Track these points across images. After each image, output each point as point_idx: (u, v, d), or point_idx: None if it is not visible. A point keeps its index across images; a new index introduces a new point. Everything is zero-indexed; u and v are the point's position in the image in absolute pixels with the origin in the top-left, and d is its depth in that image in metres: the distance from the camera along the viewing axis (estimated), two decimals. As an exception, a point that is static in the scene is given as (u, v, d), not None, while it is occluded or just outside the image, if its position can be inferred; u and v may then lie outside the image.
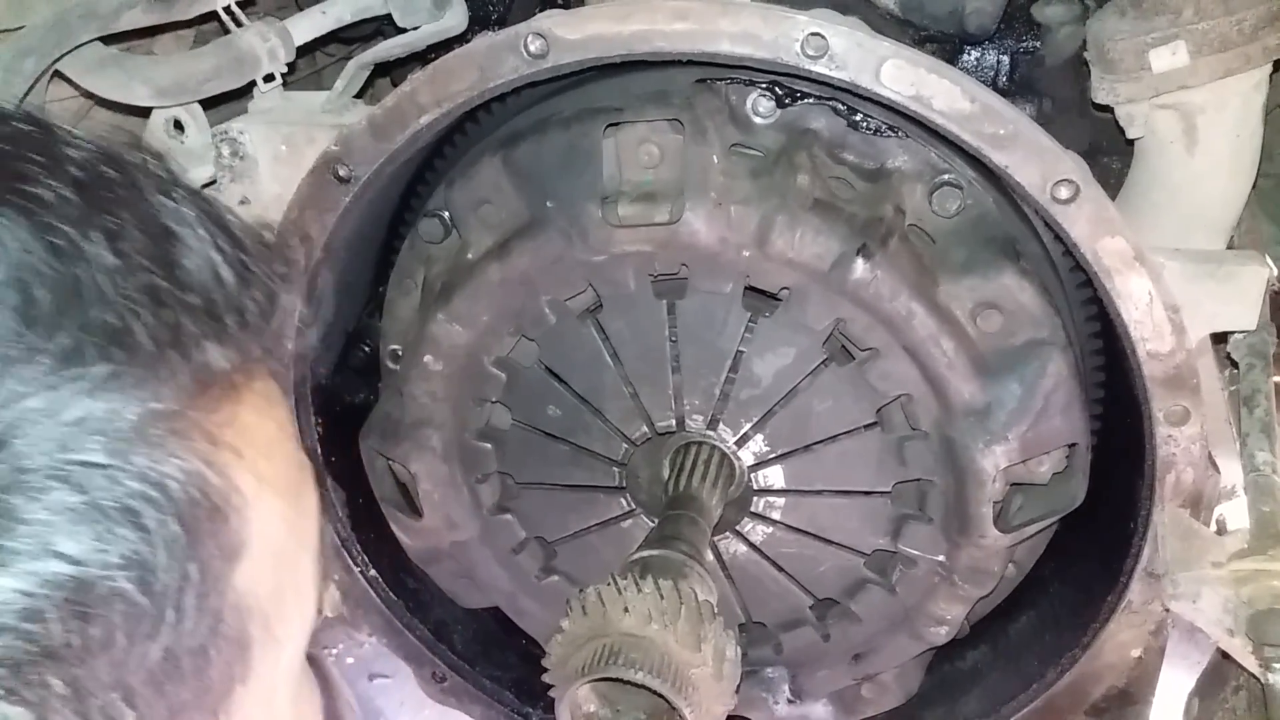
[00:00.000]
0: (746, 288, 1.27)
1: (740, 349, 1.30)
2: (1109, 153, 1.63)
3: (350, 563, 1.60)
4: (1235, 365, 1.43)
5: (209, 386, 0.51)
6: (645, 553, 1.19)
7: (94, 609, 0.44)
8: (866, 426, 1.31)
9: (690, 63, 1.19)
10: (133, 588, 0.46)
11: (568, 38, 1.17)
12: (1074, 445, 1.29)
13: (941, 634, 1.41)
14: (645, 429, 1.37)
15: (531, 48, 1.18)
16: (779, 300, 1.27)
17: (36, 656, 0.42)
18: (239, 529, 0.51)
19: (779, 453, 1.35)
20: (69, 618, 0.43)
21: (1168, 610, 1.29)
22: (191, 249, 0.51)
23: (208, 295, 0.51)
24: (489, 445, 1.43)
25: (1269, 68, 1.29)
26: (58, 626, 0.43)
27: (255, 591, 0.53)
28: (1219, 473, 1.27)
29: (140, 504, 0.46)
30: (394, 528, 1.56)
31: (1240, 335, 1.40)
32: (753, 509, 1.40)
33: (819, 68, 1.12)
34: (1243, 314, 1.21)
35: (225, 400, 0.52)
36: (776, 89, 1.25)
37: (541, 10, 1.40)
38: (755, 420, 1.33)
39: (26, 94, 1.27)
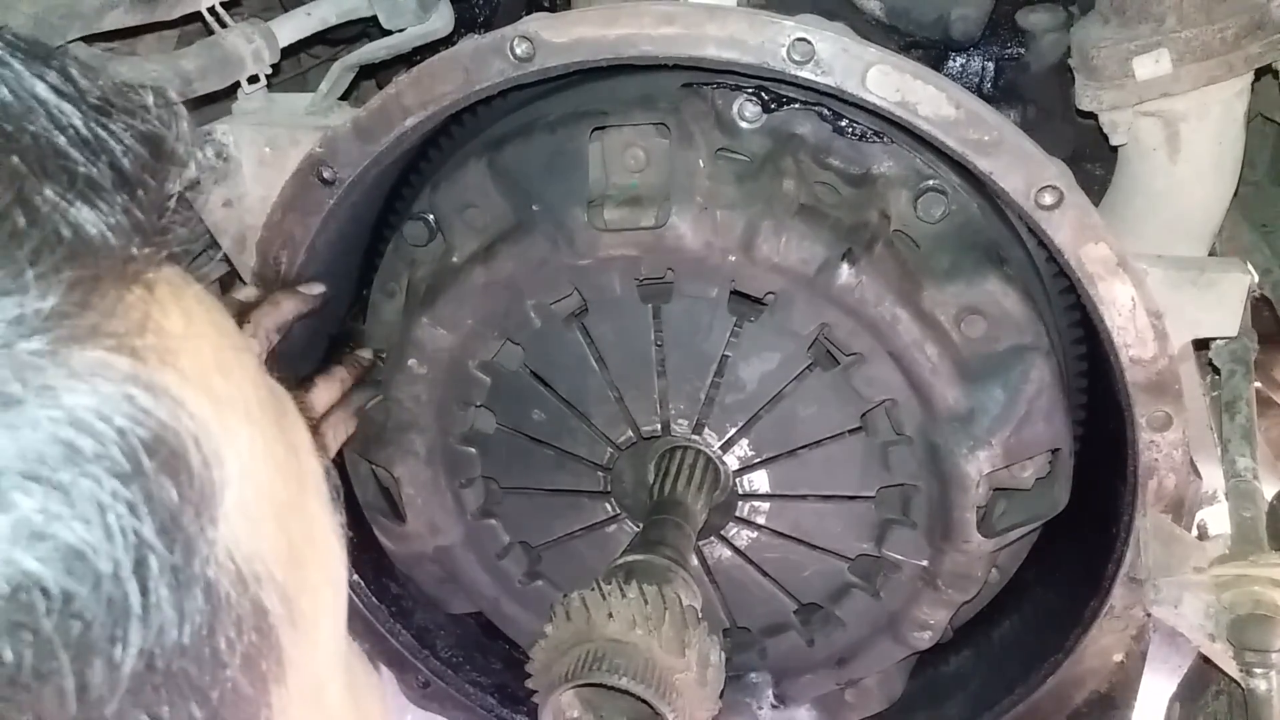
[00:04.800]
0: (732, 292, 1.27)
1: (726, 353, 1.30)
2: (1092, 159, 1.63)
3: (333, 567, 1.59)
4: (1216, 371, 1.44)
5: (97, 278, 0.36)
6: (629, 558, 1.19)
7: (13, 626, 0.31)
8: (851, 431, 1.31)
9: (677, 67, 1.19)
10: (59, 577, 0.32)
11: (554, 41, 1.17)
12: (1057, 450, 1.30)
13: (925, 639, 1.41)
14: (630, 433, 1.36)
15: (518, 51, 1.17)
16: (764, 305, 1.27)
17: None
18: (207, 470, 0.37)
19: (764, 457, 1.35)
20: None
21: (1149, 615, 1.29)
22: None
23: (50, 143, 0.36)
24: (473, 450, 1.43)
25: (1250, 76, 1.30)
26: None
27: (256, 554, 0.39)
28: (1200, 478, 1.27)
29: (41, 460, 0.32)
30: (377, 532, 1.55)
31: (1221, 342, 1.41)
32: (737, 513, 1.40)
33: (805, 73, 1.12)
34: (1224, 320, 1.21)
35: (127, 295, 0.37)
36: (763, 94, 1.26)
37: (528, 14, 1.39)
38: (740, 425, 1.33)
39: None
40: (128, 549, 0.34)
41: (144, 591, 0.34)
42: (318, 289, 1.38)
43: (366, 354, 1.45)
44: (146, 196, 0.39)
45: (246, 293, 1.35)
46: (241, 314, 1.33)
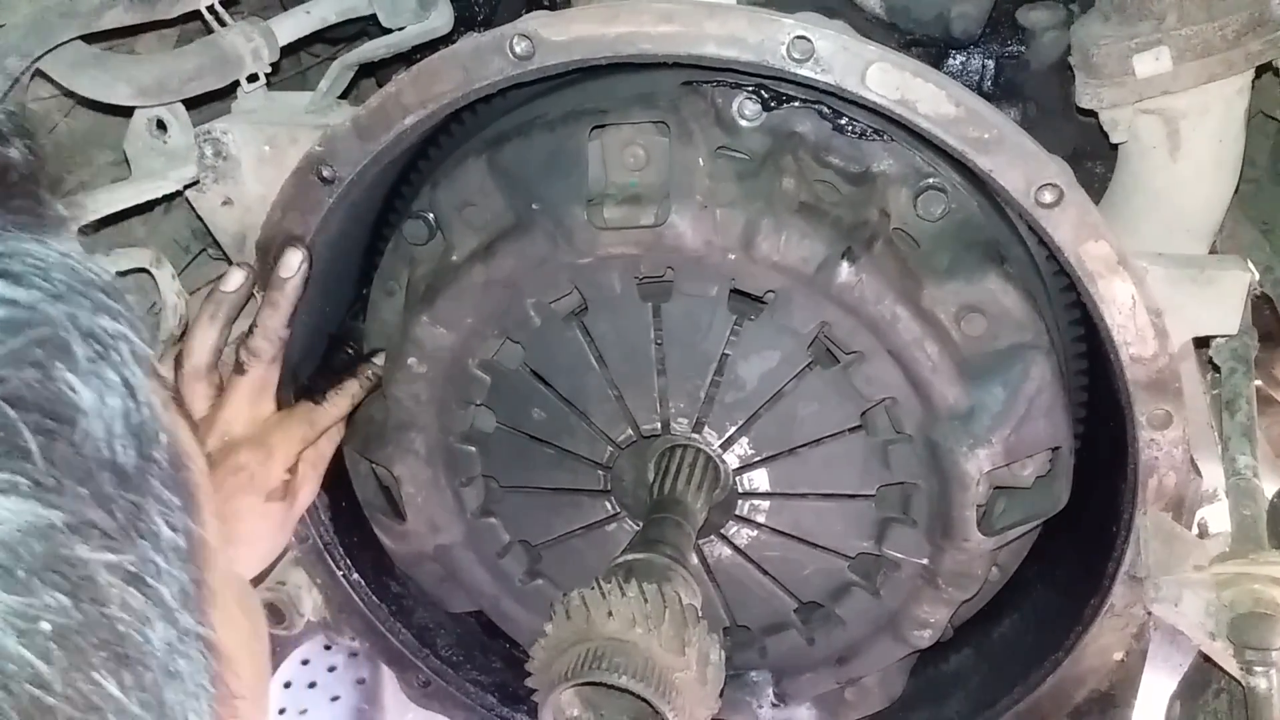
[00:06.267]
0: (732, 291, 1.27)
1: (725, 352, 1.30)
2: (1093, 157, 1.63)
3: (333, 566, 1.59)
4: (1217, 369, 1.44)
5: (36, 192, 0.47)
6: (629, 556, 1.19)
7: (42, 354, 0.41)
8: (851, 430, 1.31)
9: (676, 65, 1.19)
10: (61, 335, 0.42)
11: (553, 39, 1.17)
12: (1057, 449, 1.29)
13: (925, 637, 1.41)
14: (630, 432, 1.36)
15: (517, 49, 1.17)
16: (764, 303, 1.27)
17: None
18: (126, 336, 0.47)
19: (764, 456, 1.35)
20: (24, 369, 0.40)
21: (1150, 613, 1.29)
22: None
23: None
24: (473, 448, 1.43)
25: (1251, 73, 1.30)
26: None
27: (167, 431, 0.49)
28: (1201, 476, 1.27)
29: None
30: (377, 531, 1.55)
31: (1222, 340, 1.41)
32: (737, 512, 1.39)
33: (805, 71, 1.12)
34: (1225, 318, 1.21)
35: (33, 201, 0.48)
36: (762, 92, 1.25)
37: (527, 12, 1.39)
38: (740, 423, 1.33)
39: (7, 93, 1.26)
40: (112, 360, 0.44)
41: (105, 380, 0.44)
42: (294, 261, 1.33)
43: (381, 363, 1.44)
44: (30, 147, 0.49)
45: (233, 281, 1.33)
46: (231, 316, 1.33)
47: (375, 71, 1.79)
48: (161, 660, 0.42)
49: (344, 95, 1.47)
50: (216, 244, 1.47)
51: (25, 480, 0.39)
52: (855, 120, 1.26)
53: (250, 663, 0.59)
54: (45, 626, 0.37)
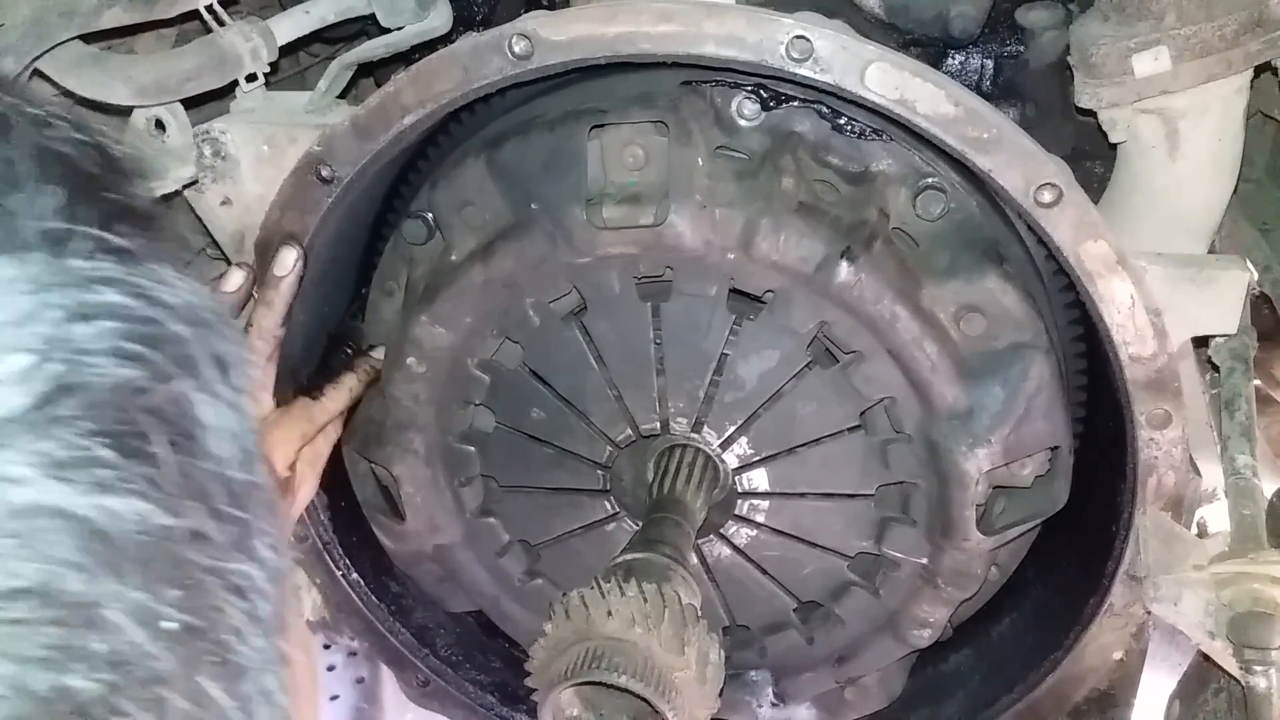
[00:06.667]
0: (731, 290, 1.27)
1: (725, 352, 1.30)
2: (1092, 157, 1.63)
3: (332, 566, 1.59)
4: (1216, 369, 1.44)
5: (143, 218, 0.50)
6: (629, 556, 1.19)
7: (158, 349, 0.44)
8: (850, 429, 1.31)
9: (675, 64, 1.19)
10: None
11: (552, 39, 1.17)
12: (1056, 448, 1.29)
13: (925, 636, 1.41)
14: (629, 432, 1.36)
15: (516, 49, 1.17)
16: (763, 303, 1.27)
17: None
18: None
19: (763, 455, 1.35)
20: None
21: (1149, 613, 1.29)
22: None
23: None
24: (472, 448, 1.43)
25: (1250, 73, 1.30)
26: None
27: (263, 459, 0.53)
28: (1200, 476, 1.27)
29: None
30: (376, 531, 1.55)
31: (1221, 339, 1.41)
32: (737, 512, 1.39)
33: (804, 70, 1.12)
34: (1224, 318, 1.21)
35: (162, 235, 0.52)
36: (761, 92, 1.26)
37: (526, 11, 1.39)
38: (739, 423, 1.33)
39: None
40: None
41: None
42: (289, 260, 1.34)
43: (379, 356, 1.44)
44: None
45: (233, 281, 1.34)
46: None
47: (374, 71, 1.79)
48: (255, 675, 0.44)
49: (343, 95, 1.47)
50: (215, 244, 1.47)
51: (151, 486, 0.41)
52: (854, 120, 1.26)
53: (307, 705, 0.61)
54: (166, 625, 0.40)
